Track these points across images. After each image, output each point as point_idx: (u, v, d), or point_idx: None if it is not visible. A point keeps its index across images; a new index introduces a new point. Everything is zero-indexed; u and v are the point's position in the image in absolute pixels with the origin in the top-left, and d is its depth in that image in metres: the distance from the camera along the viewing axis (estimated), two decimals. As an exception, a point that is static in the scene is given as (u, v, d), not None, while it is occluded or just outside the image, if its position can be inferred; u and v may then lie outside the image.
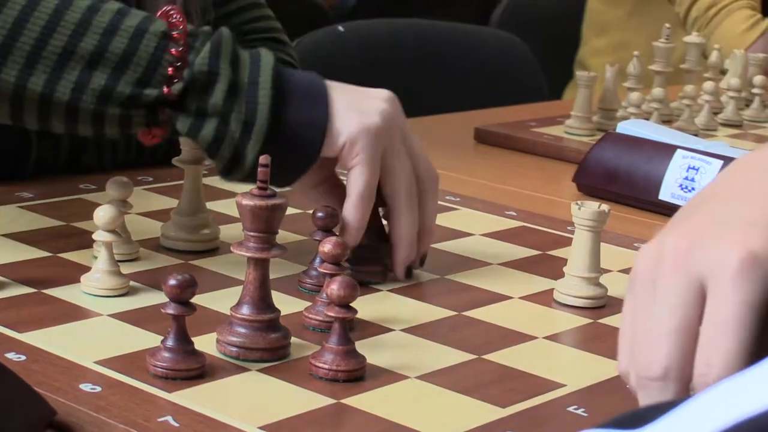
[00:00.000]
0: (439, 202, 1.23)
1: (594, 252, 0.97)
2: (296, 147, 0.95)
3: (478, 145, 1.59)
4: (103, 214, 0.91)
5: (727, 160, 1.28)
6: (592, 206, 0.97)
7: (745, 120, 1.80)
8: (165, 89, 0.93)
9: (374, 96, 0.98)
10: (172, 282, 0.77)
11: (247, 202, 0.81)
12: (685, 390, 0.59)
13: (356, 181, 0.95)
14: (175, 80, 0.93)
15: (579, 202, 0.97)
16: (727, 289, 0.57)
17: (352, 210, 0.95)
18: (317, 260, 0.94)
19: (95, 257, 0.94)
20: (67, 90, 0.92)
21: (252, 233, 0.81)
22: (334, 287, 0.79)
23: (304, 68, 1.57)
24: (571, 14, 2.73)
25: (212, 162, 1.04)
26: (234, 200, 0.83)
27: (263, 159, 0.81)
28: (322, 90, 0.96)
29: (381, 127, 0.96)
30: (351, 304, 0.80)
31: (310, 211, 0.98)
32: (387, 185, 0.97)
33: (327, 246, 0.86)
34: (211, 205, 1.08)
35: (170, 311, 0.78)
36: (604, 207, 0.97)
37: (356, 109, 0.96)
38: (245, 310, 0.82)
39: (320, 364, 0.80)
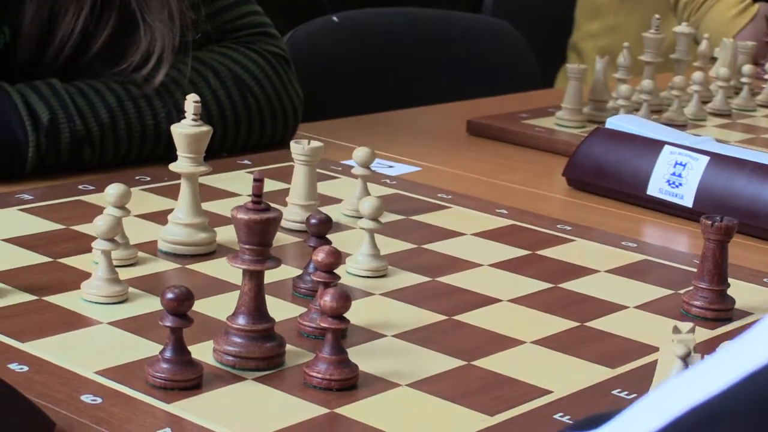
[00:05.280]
0: (432, 200, 1.26)
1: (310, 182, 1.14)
2: None
3: (470, 137, 1.61)
4: (101, 223, 0.93)
5: (714, 156, 1.30)
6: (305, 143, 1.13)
7: (733, 109, 1.83)
8: None
9: None
10: (169, 296, 0.80)
11: (242, 215, 0.83)
12: None
13: None
14: None
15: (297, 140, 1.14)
16: None
17: None
18: (311, 266, 0.96)
19: (95, 263, 0.96)
20: None
21: (247, 246, 0.84)
22: (327, 299, 0.82)
23: (300, 60, 1.60)
24: (562, -1, 2.74)
25: (208, 168, 1.06)
26: (229, 204, 0.85)
27: (257, 174, 0.84)
28: None
29: None
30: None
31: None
32: None
33: (320, 255, 0.88)
34: (207, 206, 1.10)
35: (168, 324, 0.80)
36: (315, 143, 1.13)
37: None
38: (241, 320, 0.84)
39: (314, 374, 0.82)
